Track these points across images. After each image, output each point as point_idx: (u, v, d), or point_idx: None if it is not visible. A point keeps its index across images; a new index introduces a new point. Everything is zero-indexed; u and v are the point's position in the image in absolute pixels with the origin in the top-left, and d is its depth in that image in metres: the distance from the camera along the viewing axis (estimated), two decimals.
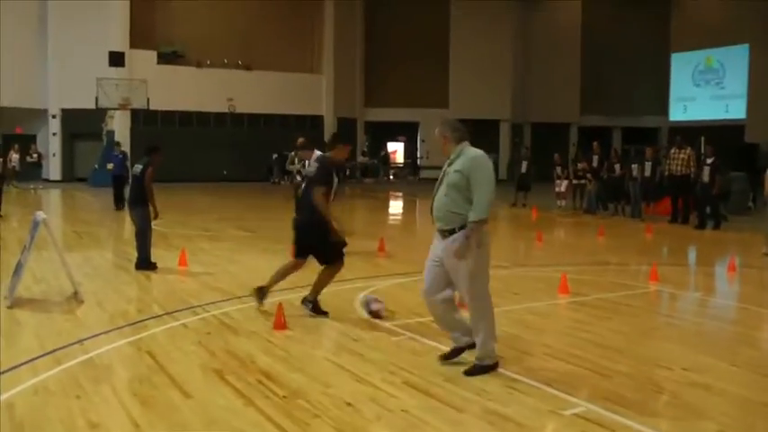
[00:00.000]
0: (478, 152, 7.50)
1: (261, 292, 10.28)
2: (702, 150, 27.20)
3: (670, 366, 7.81)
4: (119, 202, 24.69)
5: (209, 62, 45.47)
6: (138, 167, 13.70)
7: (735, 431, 6.14)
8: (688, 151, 22.96)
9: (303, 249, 10.08)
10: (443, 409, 6.51)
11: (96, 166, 39.10)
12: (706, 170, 21.92)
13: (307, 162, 16.20)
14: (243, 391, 6.91)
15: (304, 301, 10.06)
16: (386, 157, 52.71)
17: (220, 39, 45.54)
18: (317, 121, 47.90)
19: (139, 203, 13.45)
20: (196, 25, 44.93)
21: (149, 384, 7.12)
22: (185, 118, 44.70)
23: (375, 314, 9.92)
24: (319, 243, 9.85)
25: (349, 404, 6.57)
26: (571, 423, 6.21)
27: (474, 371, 7.42)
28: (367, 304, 10.18)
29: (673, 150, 23.66)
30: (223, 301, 10.93)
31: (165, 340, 8.71)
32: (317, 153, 15.33)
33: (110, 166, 26.25)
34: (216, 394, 6.84)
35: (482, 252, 7.43)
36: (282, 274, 10.28)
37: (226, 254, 15.75)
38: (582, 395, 6.82)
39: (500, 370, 7.52)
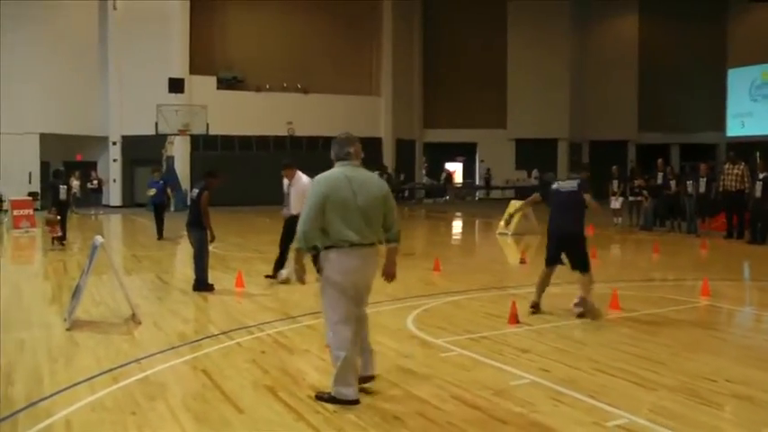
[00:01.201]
0: (322, 175, 7.26)
1: (535, 308, 11.43)
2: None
3: (714, 379, 7.85)
4: (161, 232, 24.14)
5: (268, 86, 45.91)
6: (195, 191, 13.98)
7: None
8: (742, 167, 22.83)
9: (558, 254, 11.43)
10: (489, 421, 6.63)
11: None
12: (758, 185, 21.79)
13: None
14: (294, 406, 7.08)
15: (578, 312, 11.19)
16: (448, 178, 52.83)
17: (279, 63, 46.01)
18: (375, 142, 48.07)
19: (196, 226, 13.68)
20: (255, 50, 45.48)
21: (203, 400, 7.31)
22: (245, 142, 45.07)
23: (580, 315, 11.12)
24: (579, 248, 11.29)
25: (396, 418, 6.71)
26: None
27: (323, 397, 7.24)
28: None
29: (726, 166, 23.58)
30: (278, 320, 11.12)
31: (219, 359, 8.91)
32: (301, 176, 14.60)
33: (151, 192, 24.93)
34: (267, 409, 7.02)
35: (327, 286, 7.15)
36: (543, 283, 11.59)
37: None
38: (625, 407, 6.89)
39: (546, 383, 7.64)
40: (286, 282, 14.25)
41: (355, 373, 7.14)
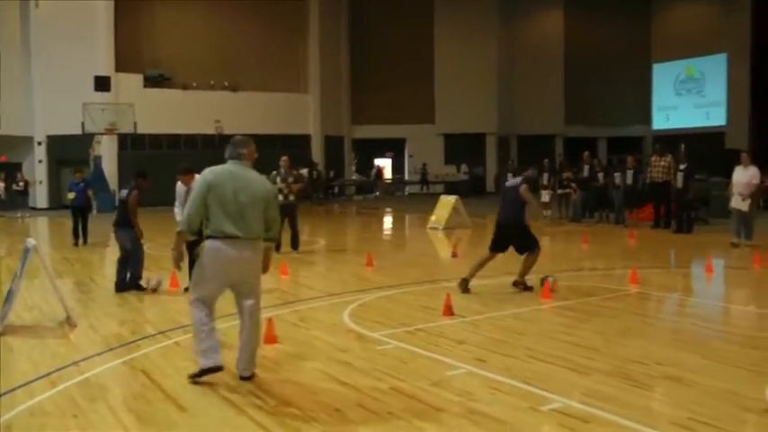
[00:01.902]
0: (211, 167, 7.71)
1: (464, 283, 12.60)
2: None
3: (645, 362, 8.15)
4: (77, 236, 22.55)
5: (195, 84, 45.36)
6: (124, 191, 13.98)
7: (702, 417, 6.44)
8: (668, 159, 23.40)
9: (501, 244, 12.87)
10: (428, 410, 6.76)
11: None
12: (680, 176, 22.41)
13: (279, 177, 16.38)
14: (235, 401, 7.13)
15: (515, 283, 12.80)
16: (378, 174, 52.96)
17: (206, 61, 45.47)
18: (304, 140, 48.01)
19: (125, 226, 13.70)
20: (182, 48, 44.86)
21: (144, 400, 7.31)
22: (173, 141, 44.23)
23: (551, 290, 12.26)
24: (520, 236, 12.69)
25: (337, 410, 6.81)
26: (549, 418, 6.51)
27: (195, 374, 7.73)
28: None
29: (653, 158, 24.16)
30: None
31: (158, 358, 8.91)
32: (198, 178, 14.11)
33: (71, 195, 22.91)
34: (209, 406, 7.06)
35: (199, 265, 7.74)
36: (480, 264, 12.88)
37: None
38: (560, 392, 7.11)
39: (483, 372, 7.83)
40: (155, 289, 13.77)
41: (212, 345, 7.60)
